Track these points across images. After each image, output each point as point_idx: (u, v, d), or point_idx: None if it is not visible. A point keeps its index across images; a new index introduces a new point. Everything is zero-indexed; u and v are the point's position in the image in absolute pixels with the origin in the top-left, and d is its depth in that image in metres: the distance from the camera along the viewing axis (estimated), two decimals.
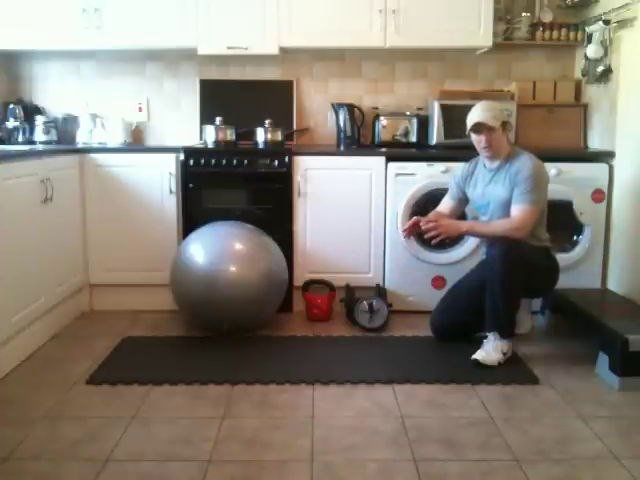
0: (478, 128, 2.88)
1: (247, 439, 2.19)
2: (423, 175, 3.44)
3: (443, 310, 3.10)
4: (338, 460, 2.06)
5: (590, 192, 3.44)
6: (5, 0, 3.63)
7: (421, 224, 2.95)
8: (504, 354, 2.81)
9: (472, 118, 2.90)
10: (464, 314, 3.00)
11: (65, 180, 3.31)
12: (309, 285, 3.53)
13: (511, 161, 2.92)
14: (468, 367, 2.78)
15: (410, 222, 3.01)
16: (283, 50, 3.73)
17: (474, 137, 2.93)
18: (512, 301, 2.81)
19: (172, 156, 3.50)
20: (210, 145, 3.58)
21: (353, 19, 3.62)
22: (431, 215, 3.07)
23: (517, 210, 2.85)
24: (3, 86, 4.01)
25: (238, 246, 3.17)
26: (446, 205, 3.16)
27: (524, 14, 3.83)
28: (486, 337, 2.84)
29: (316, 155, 3.53)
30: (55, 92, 4.07)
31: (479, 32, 3.62)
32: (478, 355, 2.80)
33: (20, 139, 3.86)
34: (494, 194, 2.96)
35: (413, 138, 3.80)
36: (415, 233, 3.10)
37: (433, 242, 2.98)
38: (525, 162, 2.88)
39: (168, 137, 4.08)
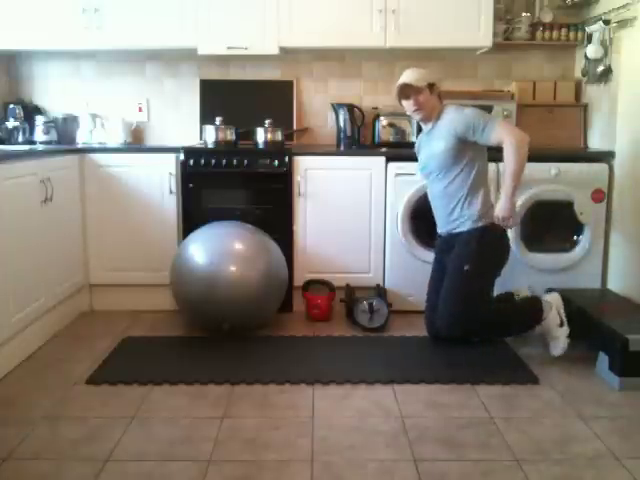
0: (405, 92, 2.93)
1: (247, 439, 2.19)
2: None
3: (435, 307, 3.07)
4: (338, 460, 2.06)
5: (590, 192, 3.43)
6: (5, 0, 3.63)
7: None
8: (559, 325, 2.89)
9: (398, 82, 2.95)
10: None
11: (65, 180, 3.31)
12: (309, 285, 3.53)
13: (441, 116, 2.96)
14: (468, 367, 2.78)
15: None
16: (283, 50, 3.73)
17: (404, 103, 2.98)
18: (497, 327, 2.95)
19: (172, 156, 3.50)
20: (210, 145, 3.57)
21: (353, 19, 3.62)
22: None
23: (496, 133, 2.77)
24: (3, 86, 4.01)
25: (238, 246, 3.17)
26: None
27: (524, 14, 3.83)
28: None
29: (316, 155, 3.53)
30: (55, 92, 4.07)
31: (479, 32, 3.62)
32: (556, 352, 2.89)
33: (20, 139, 3.86)
34: (431, 151, 2.98)
35: (413, 138, 3.80)
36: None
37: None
38: (454, 110, 2.91)
39: (168, 137, 4.08)
